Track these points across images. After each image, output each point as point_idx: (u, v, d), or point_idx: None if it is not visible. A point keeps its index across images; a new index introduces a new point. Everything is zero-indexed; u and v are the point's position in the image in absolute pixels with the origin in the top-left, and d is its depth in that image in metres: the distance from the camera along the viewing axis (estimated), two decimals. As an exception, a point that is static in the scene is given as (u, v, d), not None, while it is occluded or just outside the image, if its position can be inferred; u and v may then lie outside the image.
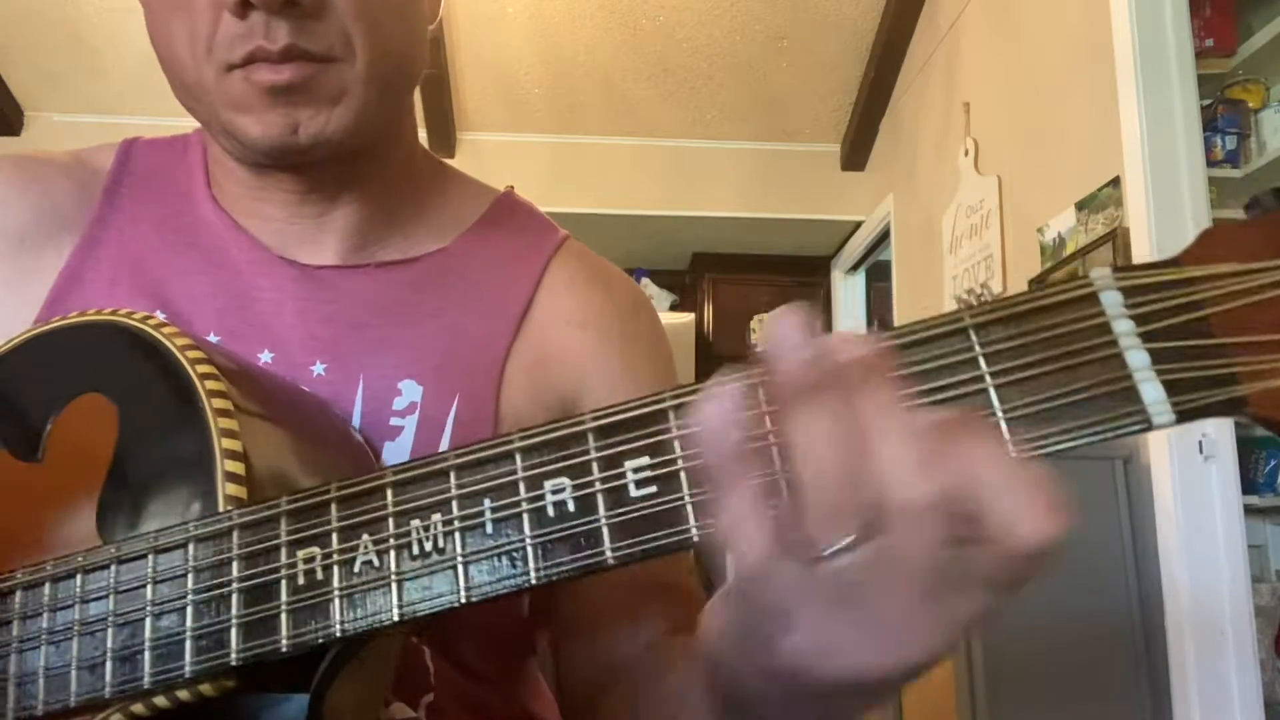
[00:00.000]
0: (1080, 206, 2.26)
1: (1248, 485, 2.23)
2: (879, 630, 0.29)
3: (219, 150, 0.60)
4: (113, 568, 0.37)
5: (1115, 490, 1.99)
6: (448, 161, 0.72)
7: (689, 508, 0.32)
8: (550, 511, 0.33)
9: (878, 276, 4.24)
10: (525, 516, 0.33)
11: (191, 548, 0.36)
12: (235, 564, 0.35)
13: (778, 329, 0.31)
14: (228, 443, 0.38)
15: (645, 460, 0.32)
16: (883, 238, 3.84)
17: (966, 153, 2.90)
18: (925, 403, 0.30)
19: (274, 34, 0.51)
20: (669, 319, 4.04)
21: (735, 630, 0.33)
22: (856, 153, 3.92)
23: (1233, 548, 1.89)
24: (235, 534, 0.36)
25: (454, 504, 0.34)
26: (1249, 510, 2.07)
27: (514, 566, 0.33)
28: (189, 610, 0.35)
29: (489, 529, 0.33)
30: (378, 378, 0.58)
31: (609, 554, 0.32)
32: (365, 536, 0.34)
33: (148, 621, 0.36)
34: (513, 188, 0.72)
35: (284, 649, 0.34)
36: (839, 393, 0.29)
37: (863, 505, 0.28)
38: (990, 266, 2.72)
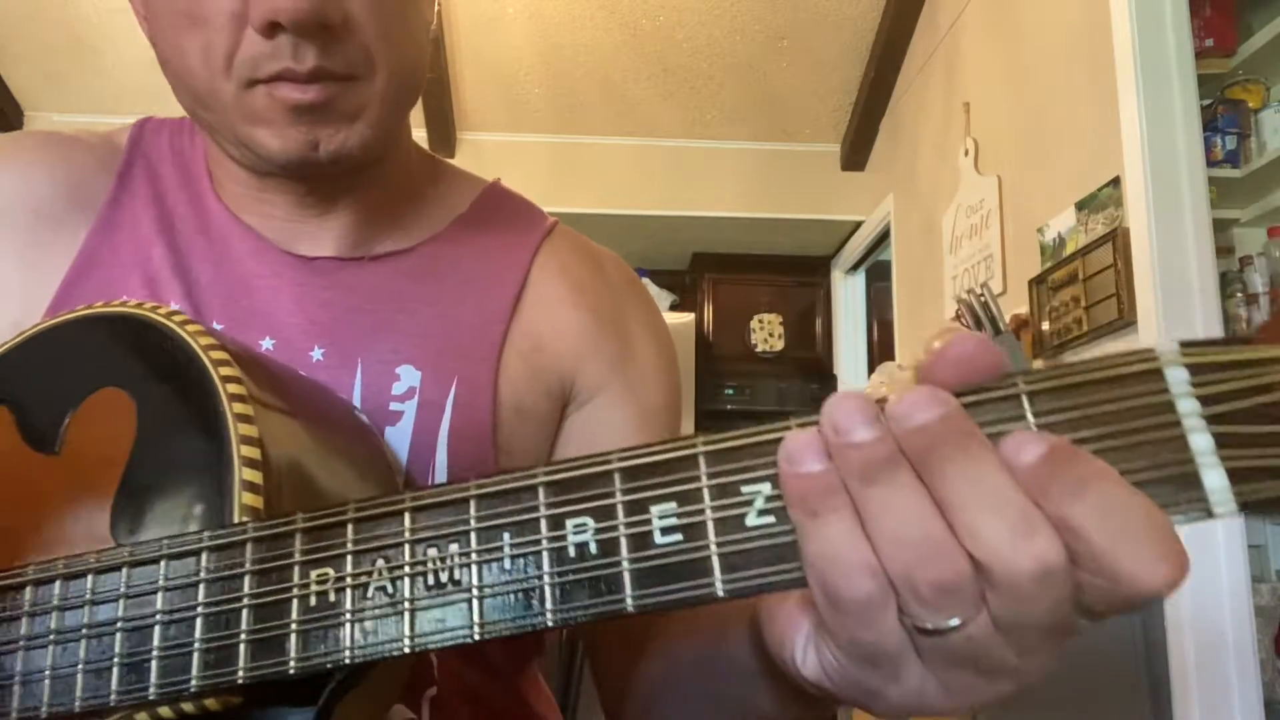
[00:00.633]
0: (1080, 206, 2.26)
1: (1248, 485, 2.22)
2: (988, 680, 0.28)
3: (219, 153, 0.60)
4: (124, 571, 0.37)
5: (1115, 490, 1.99)
6: (447, 161, 0.73)
7: (715, 559, 0.30)
8: (571, 551, 0.32)
9: (878, 276, 4.25)
10: (545, 554, 0.32)
11: (204, 557, 0.35)
12: (247, 578, 0.34)
13: (839, 411, 0.29)
14: (246, 450, 0.38)
15: (673, 506, 0.31)
16: (883, 238, 3.84)
17: (966, 153, 2.90)
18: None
19: (302, 55, 0.51)
20: (669, 319, 4.04)
21: (841, 678, 0.31)
22: (856, 153, 3.92)
23: (1233, 548, 1.89)
24: (249, 547, 0.35)
25: (472, 535, 0.33)
26: (1249, 510, 2.07)
27: (530, 606, 0.32)
28: (198, 622, 0.34)
29: (507, 564, 0.32)
30: (375, 363, 0.59)
31: (629, 601, 0.31)
32: (380, 561, 0.33)
33: (156, 630, 0.35)
34: (499, 180, 0.73)
35: (292, 670, 0.33)
36: (918, 463, 0.28)
37: (964, 585, 0.27)
38: (990, 266, 2.72)
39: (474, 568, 0.32)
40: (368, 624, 0.33)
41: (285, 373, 0.49)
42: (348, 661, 0.33)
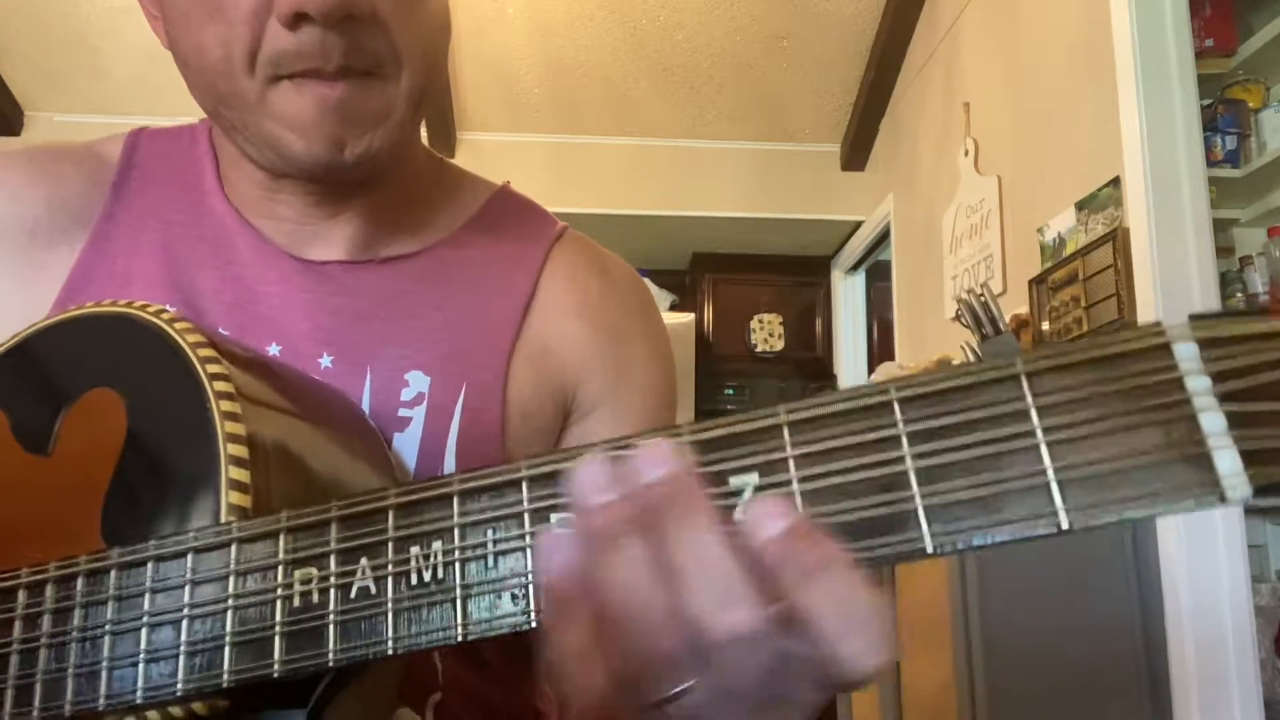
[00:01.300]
0: (1080, 206, 2.26)
1: (1248, 485, 2.23)
2: None
3: (235, 151, 0.59)
4: (113, 574, 0.36)
5: (1115, 490, 1.99)
6: (455, 164, 0.72)
7: None
8: None
9: (878, 276, 4.25)
10: (529, 552, 0.31)
11: (190, 559, 0.35)
12: (232, 580, 0.34)
13: (577, 478, 0.29)
14: (233, 449, 0.38)
15: None
16: (883, 238, 3.84)
17: (966, 153, 2.90)
18: (971, 456, 0.27)
19: (328, 50, 0.50)
20: (669, 319, 4.04)
21: None
22: (856, 153, 3.92)
23: (1233, 548, 1.89)
24: (234, 548, 0.35)
25: (455, 533, 0.32)
26: (1249, 510, 2.07)
27: (514, 604, 0.31)
28: (184, 625, 0.34)
29: (490, 562, 0.31)
30: (385, 369, 0.58)
31: None
32: (364, 560, 0.32)
33: (143, 633, 0.35)
34: (509, 183, 0.72)
35: (276, 673, 0.33)
36: (646, 527, 0.28)
37: (689, 645, 0.27)
38: (990, 266, 2.72)
39: (457, 565, 0.32)
40: (350, 625, 0.32)
41: (287, 372, 0.49)
42: (330, 664, 0.32)
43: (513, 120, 3.88)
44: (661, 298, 4.47)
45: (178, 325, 0.42)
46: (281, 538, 0.34)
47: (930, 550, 0.27)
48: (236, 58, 0.51)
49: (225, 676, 0.33)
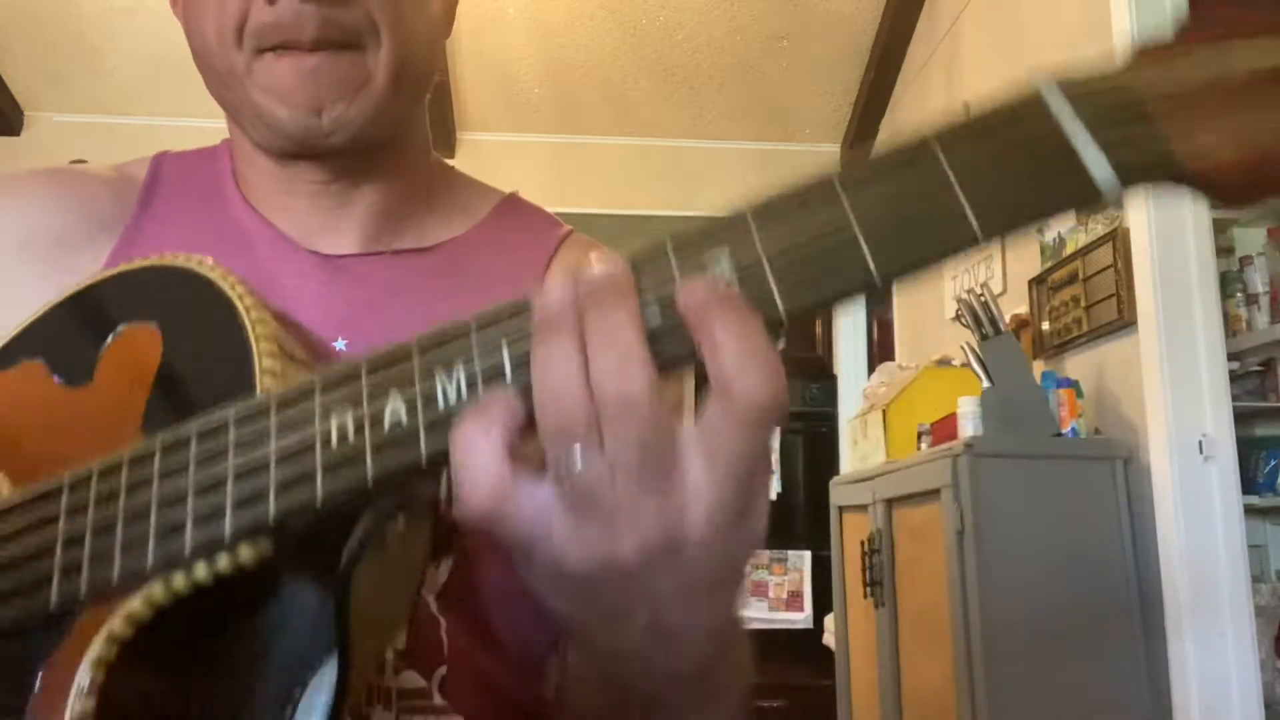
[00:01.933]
0: (1080, 206, 2.26)
1: (1248, 485, 2.23)
2: (610, 527, 0.32)
3: (248, 146, 0.62)
4: (158, 456, 0.39)
5: (1115, 490, 1.99)
6: (449, 162, 0.74)
7: None
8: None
9: (878, 276, 4.24)
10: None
11: (231, 430, 0.38)
12: (273, 434, 0.37)
13: (543, 288, 0.34)
14: (267, 361, 0.41)
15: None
16: (883, 238, 3.84)
17: (966, 153, 2.90)
18: (901, 205, 0.33)
19: (304, 23, 0.53)
20: (669, 319, 4.03)
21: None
22: (856, 153, 3.87)
23: (1233, 548, 1.89)
24: (273, 409, 0.38)
25: (476, 355, 0.36)
26: (1249, 510, 2.07)
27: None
28: (229, 478, 0.37)
29: (507, 370, 0.35)
30: None
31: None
32: (394, 392, 0.36)
33: (190, 493, 0.37)
34: (517, 192, 0.74)
35: (319, 501, 0.35)
36: (577, 319, 0.33)
37: (586, 413, 0.32)
38: (990, 266, 2.73)
39: (480, 384, 0.35)
40: (386, 449, 0.35)
41: (303, 329, 0.53)
42: (370, 484, 0.35)
43: (513, 120, 3.89)
44: (661, 298, 4.47)
45: (214, 268, 0.46)
46: (317, 390, 0.37)
47: (877, 280, 0.33)
48: (226, 33, 0.55)
49: (271, 512, 0.36)
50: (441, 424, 0.35)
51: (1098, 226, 2.20)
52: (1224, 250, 2.49)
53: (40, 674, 0.38)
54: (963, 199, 0.32)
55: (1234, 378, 2.20)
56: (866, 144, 3.86)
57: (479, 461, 0.33)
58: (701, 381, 0.33)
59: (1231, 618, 1.87)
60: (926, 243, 0.33)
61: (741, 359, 0.31)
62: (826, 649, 3.03)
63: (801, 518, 4.04)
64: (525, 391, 0.34)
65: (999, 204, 0.32)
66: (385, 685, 0.51)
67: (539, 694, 0.64)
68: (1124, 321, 2.08)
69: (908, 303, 3.48)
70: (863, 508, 2.54)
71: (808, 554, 3.98)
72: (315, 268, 0.62)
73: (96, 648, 0.36)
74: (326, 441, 0.36)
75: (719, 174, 3.96)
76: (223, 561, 0.36)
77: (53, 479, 0.41)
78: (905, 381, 2.65)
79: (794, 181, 0.35)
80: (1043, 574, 1.91)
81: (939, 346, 2.94)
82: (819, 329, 4.42)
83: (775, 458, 4.05)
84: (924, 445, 2.35)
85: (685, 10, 3.41)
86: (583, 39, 3.52)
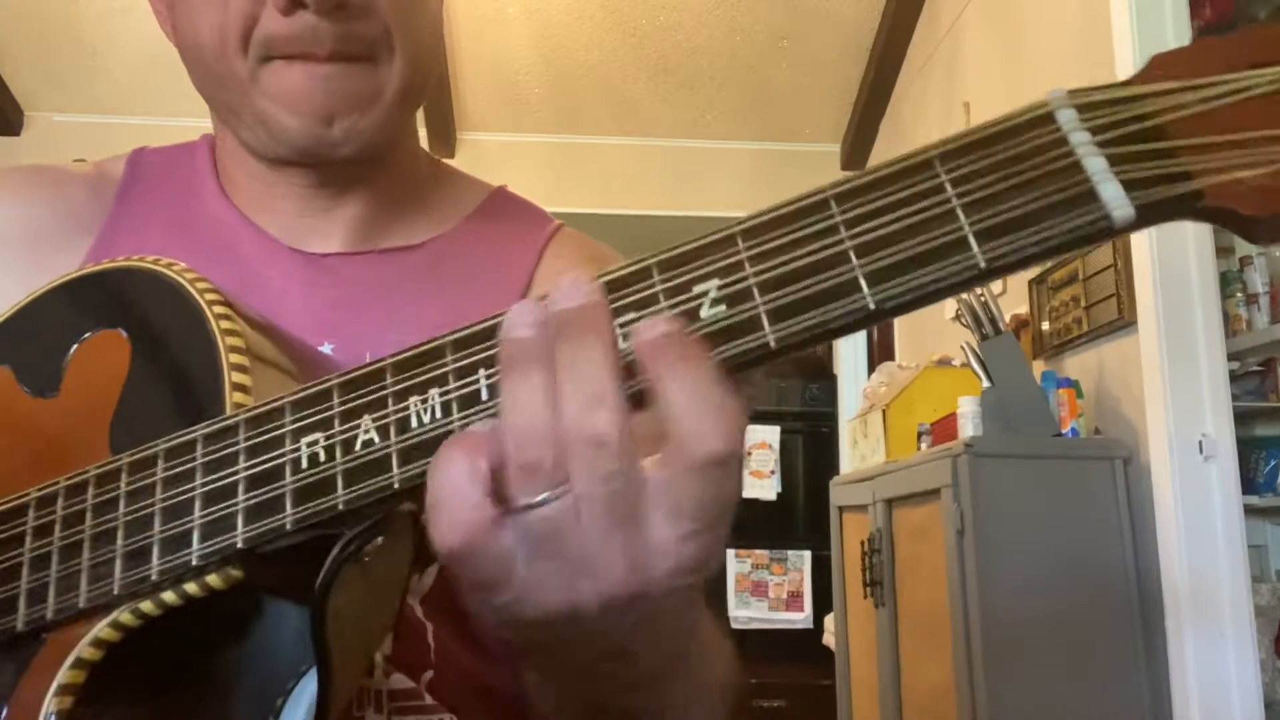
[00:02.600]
0: (1080, 206, 2.26)
1: (1248, 485, 2.23)
2: (570, 573, 0.31)
3: (234, 144, 0.61)
4: (124, 475, 0.38)
5: (1115, 490, 1.99)
6: (447, 162, 0.73)
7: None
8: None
9: (878, 276, 4.24)
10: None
11: (200, 444, 0.37)
12: (242, 455, 0.36)
13: (507, 315, 0.33)
14: (235, 358, 0.40)
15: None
16: (883, 238, 3.84)
17: (966, 153, 2.90)
18: (899, 228, 0.31)
19: (321, 37, 0.52)
20: (669, 319, 4.03)
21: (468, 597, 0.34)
22: (856, 153, 3.92)
23: (1233, 548, 1.89)
24: (242, 427, 0.36)
25: (451, 378, 0.35)
26: (1249, 510, 2.07)
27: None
28: (196, 502, 0.36)
29: (484, 396, 0.34)
30: (383, 354, 0.59)
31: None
32: (366, 417, 0.35)
33: (156, 517, 0.36)
34: (506, 186, 0.74)
35: (288, 527, 0.34)
36: (548, 351, 0.32)
37: (554, 452, 0.31)
38: (990, 266, 2.72)
39: (454, 404, 0.34)
40: (356, 471, 0.34)
41: (280, 331, 0.51)
42: (341, 509, 0.34)
43: (513, 120, 3.89)
44: (661, 298, 4.47)
45: (176, 268, 0.44)
46: (287, 410, 0.36)
47: (871, 308, 0.31)
48: (230, 39, 0.53)
49: (239, 538, 0.35)
50: (416, 450, 0.34)
51: (1098, 226, 2.20)
52: (1224, 250, 2.48)
53: (6, 705, 0.37)
54: (971, 237, 0.31)
55: (1234, 378, 2.20)
56: (866, 144, 3.86)
57: (456, 497, 0.31)
58: None
59: (1231, 618, 1.87)
60: (926, 277, 0.31)
61: (691, 408, 0.30)
62: (826, 649, 3.03)
63: (801, 518, 4.04)
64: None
65: (1007, 237, 0.30)
66: (375, 688, 0.51)
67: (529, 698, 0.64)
68: (1124, 321, 2.08)
69: (908, 303, 3.48)
70: (863, 508, 2.54)
71: (808, 554, 3.98)
72: (300, 268, 0.61)
73: (64, 674, 0.35)
74: (296, 465, 0.35)
75: (719, 174, 3.96)
76: (191, 587, 0.35)
77: (19, 496, 0.40)
78: (905, 381, 2.65)
79: (788, 202, 0.33)
80: (1043, 574, 1.91)
81: (939, 346, 2.93)
82: (819, 329, 4.41)
83: (775, 458, 4.05)
84: (924, 445, 2.35)
85: (685, 10, 3.41)
86: (583, 39, 3.52)
